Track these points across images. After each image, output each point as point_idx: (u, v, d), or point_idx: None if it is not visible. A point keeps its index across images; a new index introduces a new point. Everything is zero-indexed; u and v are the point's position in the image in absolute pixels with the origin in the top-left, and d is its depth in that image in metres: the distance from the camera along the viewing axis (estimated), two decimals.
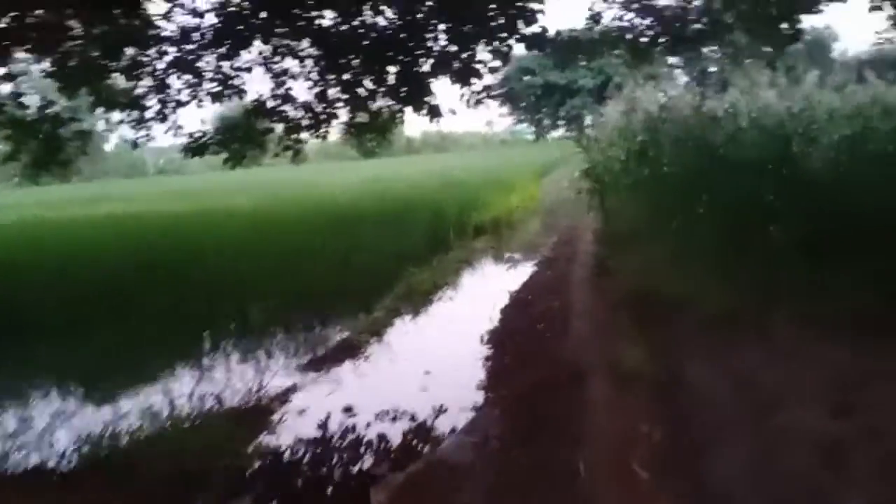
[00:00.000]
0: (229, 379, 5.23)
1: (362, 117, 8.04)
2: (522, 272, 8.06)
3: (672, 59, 54.35)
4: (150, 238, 8.39)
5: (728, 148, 8.22)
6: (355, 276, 7.57)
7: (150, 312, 5.73)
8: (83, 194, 23.24)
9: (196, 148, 7.67)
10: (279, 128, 7.94)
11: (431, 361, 5.20)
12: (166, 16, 7.79)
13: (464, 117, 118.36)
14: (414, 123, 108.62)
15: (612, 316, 5.22)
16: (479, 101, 7.53)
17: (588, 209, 9.95)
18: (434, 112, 7.51)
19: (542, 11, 6.99)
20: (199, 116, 8.08)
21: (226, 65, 8.42)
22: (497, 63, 7.35)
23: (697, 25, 9.86)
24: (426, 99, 7.55)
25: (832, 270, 5.55)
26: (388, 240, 9.23)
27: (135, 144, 8.81)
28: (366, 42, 7.53)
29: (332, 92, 7.83)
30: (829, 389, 3.65)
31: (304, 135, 8.09)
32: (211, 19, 7.65)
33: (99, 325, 5.51)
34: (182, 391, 4.91)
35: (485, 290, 7.60)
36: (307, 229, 9.13)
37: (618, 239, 8.13)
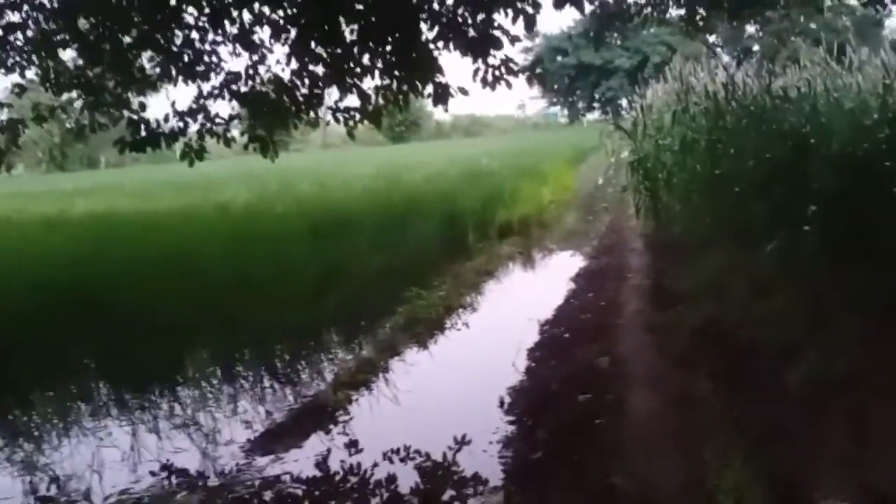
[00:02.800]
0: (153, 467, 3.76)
1: (353, 100, 6.46)
2: (557, 290, 6.45)
3: (712, 38, 51.50)
4: (102, 246, 6.94)
5: (818, 136, 6.54)
6: (345, 298, 6.06)
7: (53, 357, 4.28)
8: (77, 184, 22.15)
9: (139, 142, 6.18)
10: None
11: (429, 445, 3.64)
12: None
13: (495, 100, 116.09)
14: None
15: (687, 384, 3.60)
16: (497, 79, 5.92)
17: (635, 209, 8.29)
18: (441, 94, 5.90)
19: None
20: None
21: (197, 37, 6.92)
22: (520, 29, 5.72)
23: None
24: (431, 77, 5.94)
25: None
26: (392, 247, 7.69)
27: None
28: (358, 5, 5.94)
29: (316, 70, 6.25)
30: None
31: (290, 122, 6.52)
32: None
33: None
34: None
35: (509, 318, 6.03)
36: (297, 232, 7.62)
37: (678, 252, 6.49)
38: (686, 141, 7.96)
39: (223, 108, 6.54)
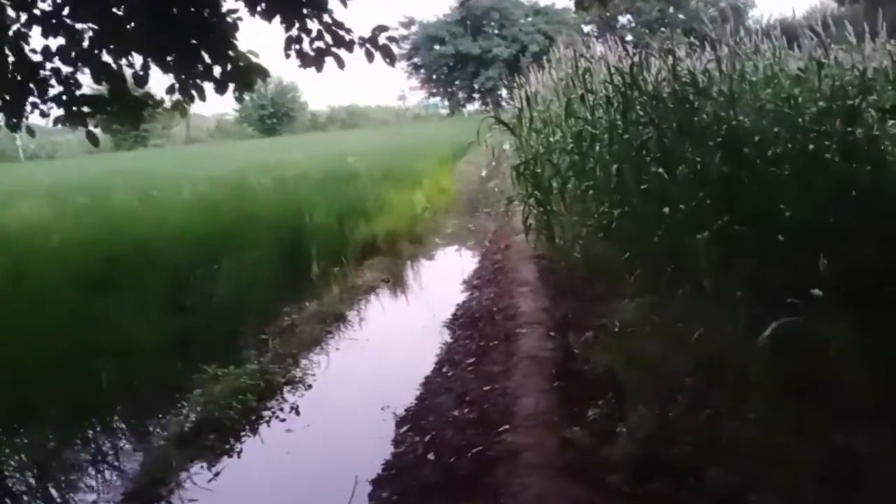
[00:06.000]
0: None
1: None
2: (424, 353, 4.63)
3: (588, 28, 52.26)
4: None
5: (752, 132, 5.08)
6: (94, 391, 3.97)
7: None
8: None
9: None
10: None
11: None
12: None
13: (376, 90, 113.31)
14: (319, 96, 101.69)
15: None
16: (322, 52, 4.02)
17: (524, 224, 6.57)
18: (232, 75, 3.89)
19: None
20: None
21: None
22: None
23: None
24: (225, 54, 3.92)
25: None
26: (201, 291, 5.61)
27: None
28: None
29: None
30: None
31: None
32: None
33: None
34: None
35: (351, 408, 4.12)
36: (63, 275, 5.37)
37: (584, 291, 4.82)
38: (583, 138, 6.33)
39: None
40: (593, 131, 6.12)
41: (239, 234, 7.08)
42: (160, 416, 3.97)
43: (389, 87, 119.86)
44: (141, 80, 4.26)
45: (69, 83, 4.42)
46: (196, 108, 4.95)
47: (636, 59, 6.98)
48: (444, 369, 4.26)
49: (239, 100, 4.34)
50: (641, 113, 5.98)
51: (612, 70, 6.05)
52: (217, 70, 3.94)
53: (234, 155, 24.43)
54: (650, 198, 4.37)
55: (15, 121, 4.71)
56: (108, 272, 5.64)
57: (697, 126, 5.16)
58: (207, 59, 3.99)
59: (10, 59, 3.95)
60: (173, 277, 5.68)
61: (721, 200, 4.14)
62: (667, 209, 4.07)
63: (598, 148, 6.07)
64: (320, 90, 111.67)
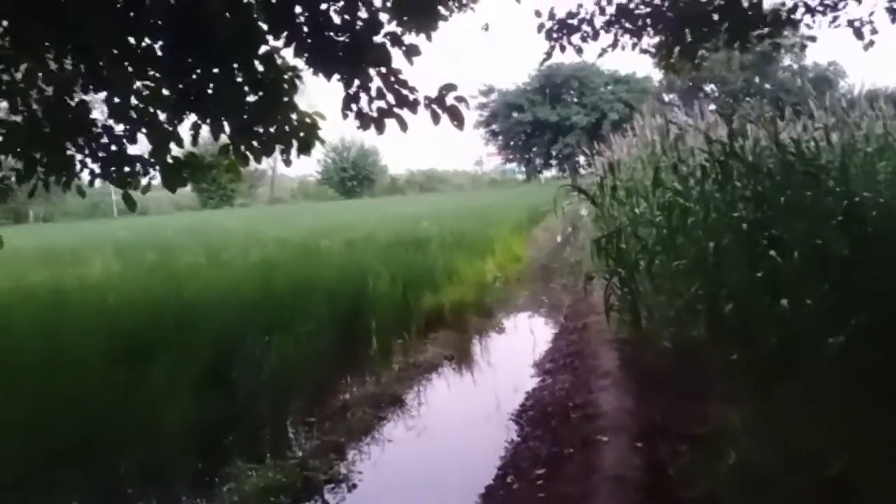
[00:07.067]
0: None
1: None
2: (487, 454, 4.02)
3: (669, 97, 51.24)
4: None
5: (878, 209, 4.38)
6: (132, 459, 3.54)
7: None
8: None
9: None
10: None
11: None
12: None
13: (454, 155, 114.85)
14: (398, 161, 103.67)
15: None
16: (385, 113, 3.62)
17: (605, 305, 5.91)
18: (283, 138, 3.51)
19: None
20: None
21: None
22: (419, 38, 3.45)
23: None
24: (279, 116, 3.57)
25: None
26: (253, 359, 5.17)
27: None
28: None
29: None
30: None
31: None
32: None
33: None
34: None
35: None
36: (106, 344, 5.04)
37: (672, 390, 4.12)
38: (672, 209, 5.70)
39: None
40: (685, 203, 5.49)
41: (297, 301, 6.69)
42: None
43: (468, 151, 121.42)
44: (179, 138, 3.94)
45: (116, 140, 4.17)
46: (282, 168, 4.66)
47: (733, 125, 6.36)
48: (509, 479, 3.62)
49: (287, 162, 3.97)
50: (739, 184, 5.35)
51: (709, 138, 5.45)
52: (260, 130, 3.58)
53: (312, 216, 24.67)
54: (758, 280, 3.70)
55: (66, 180, 4.48)
56: (152, 338, 5.29)
57: (810, 202, 4.50)
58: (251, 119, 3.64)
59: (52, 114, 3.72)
60: (219, 347, 5.27)
61: (847, 289, 3.45)
62: (785, 301, 3.39)
63: (689, 222, 5.44)
64: (400, 154, 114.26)
